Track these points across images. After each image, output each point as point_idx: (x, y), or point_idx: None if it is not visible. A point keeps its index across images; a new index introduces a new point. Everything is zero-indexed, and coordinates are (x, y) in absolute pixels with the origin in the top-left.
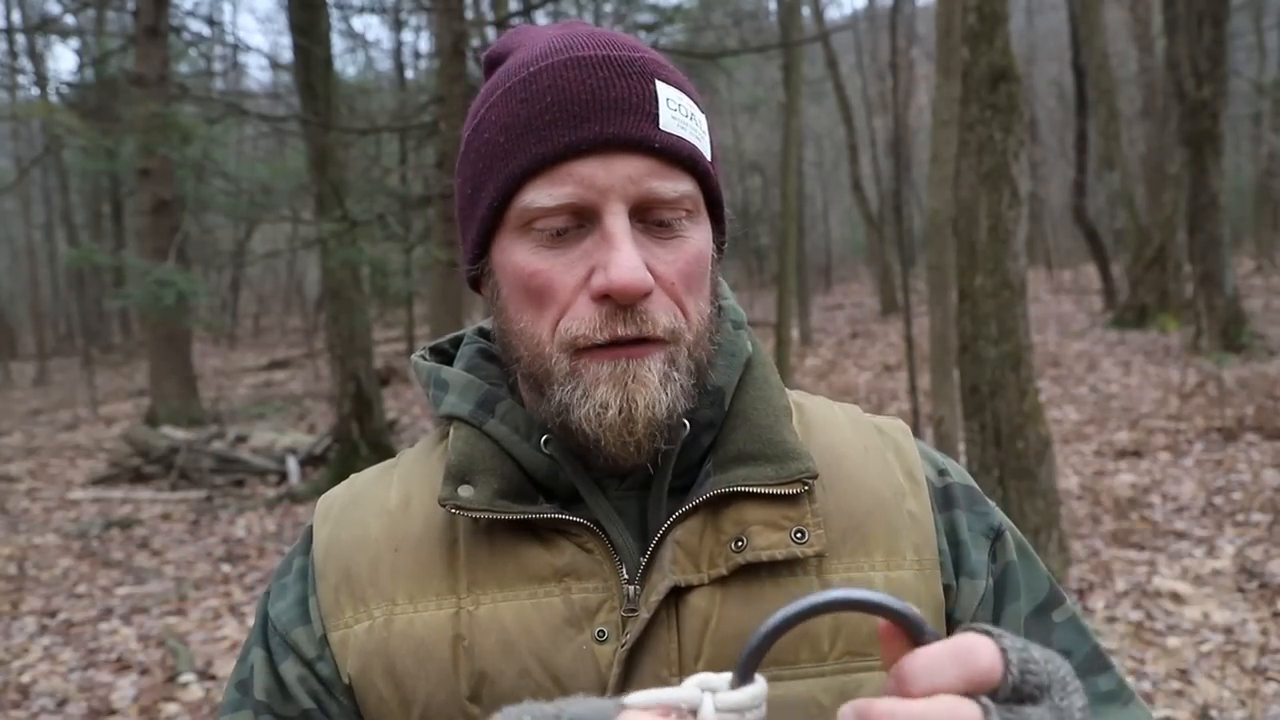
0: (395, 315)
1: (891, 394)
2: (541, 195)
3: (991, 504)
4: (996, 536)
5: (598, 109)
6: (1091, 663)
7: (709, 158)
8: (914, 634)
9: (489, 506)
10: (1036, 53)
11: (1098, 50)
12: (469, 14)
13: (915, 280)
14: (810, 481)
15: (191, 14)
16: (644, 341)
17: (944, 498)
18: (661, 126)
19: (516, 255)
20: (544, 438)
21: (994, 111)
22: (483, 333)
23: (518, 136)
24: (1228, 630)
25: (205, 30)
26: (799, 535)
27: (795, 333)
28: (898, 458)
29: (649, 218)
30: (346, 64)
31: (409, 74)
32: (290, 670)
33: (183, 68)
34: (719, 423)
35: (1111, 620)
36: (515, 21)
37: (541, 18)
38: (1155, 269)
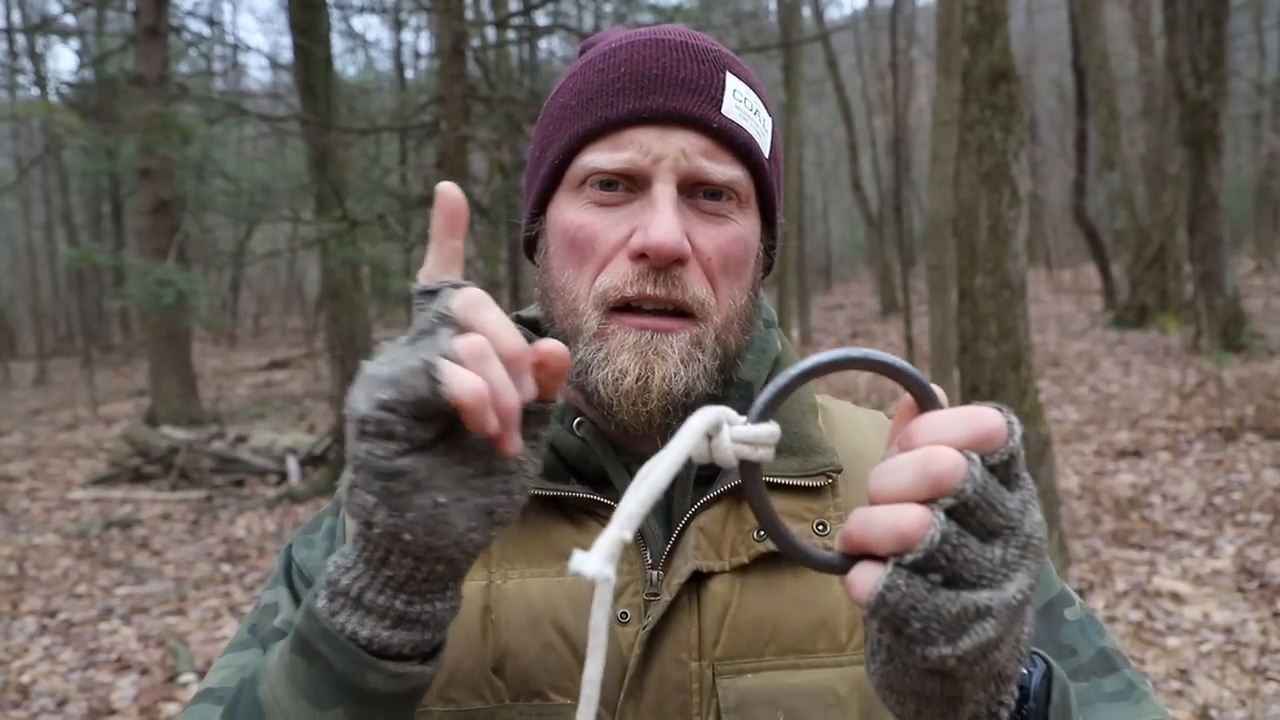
0: (395, 315)
1: (892, 394)
2: (600, 157)
3: None
4: None
5: (665, 84)
6: (1097, 665)
7: (766, 154)
8: (924, 403)
9: None
10: (1036, 53)
11: (1098, 50)
12: (469, 14)
13: (915, 280)
14: (834, 475)
15: (191, 14)
16: (673, 314)
17: None
18: (723, 111)
19: (567, 212)
20: (576, 420)
21: (994, 111)
22: (520, 320)
23: (588, 100)
24: (1228, 630)
25: (205, 30)
26: (820, 527)
27: (795, 333)
28: None
29: (698, 195)
30: (346, 64)
31: (409, 74)
32: None
33: (183, 68)
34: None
35: (1111, 620)
36: (515, 21)
37: (541, 18)
38: (1155, 269)
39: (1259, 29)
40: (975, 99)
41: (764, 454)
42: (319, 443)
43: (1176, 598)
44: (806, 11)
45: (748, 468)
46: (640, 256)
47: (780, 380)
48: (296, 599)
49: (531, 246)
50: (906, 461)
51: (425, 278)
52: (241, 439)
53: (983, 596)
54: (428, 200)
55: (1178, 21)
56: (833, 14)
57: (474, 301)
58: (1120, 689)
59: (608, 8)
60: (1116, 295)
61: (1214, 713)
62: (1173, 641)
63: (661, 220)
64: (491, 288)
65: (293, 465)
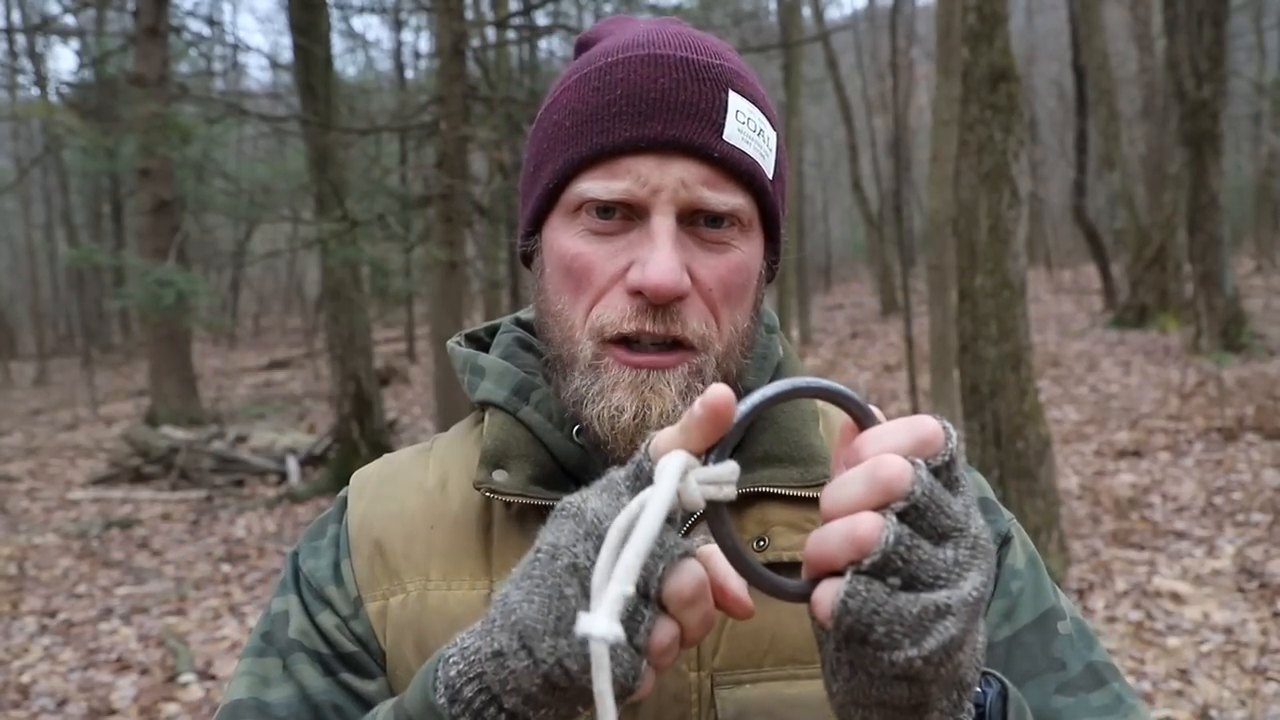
0: (395, 315)
1: (891, 394)
2: (596, 186)
3: (1005, 514)
4: (1003, 543)
5: (664, 109)
6: (1085, 679)
7: (770, 175)
8: (863, 422)
9: (522, 492)
10: (1036, 53)
11: (1098, 50)
12: (469, 14)
13: (915, 280)
14: None
15: (191, 14)
16: (671, 348)
17: None
18: (725, 137)
19: (563, 238)
20: (576, 428)
21: (994, 111)
22: (520, 323)
23: (583, 123)
24: (1228, 630)
25: (205, 30)
26: None
27: (795, 333)
28: None
29: (698, 222)
30: (346, 64)
31: (409, 74)
32: (327, 620)
33: (183, 68)
34: None
35: (1111, 620)
36: (515, 21)
37: (542, 18)
38: (1155, 269)
39: (1259, 29)
40: (975, 99)
41: (729, 492)
42: (319, 443)
43: (1176, 598)
44: (806, 11)
45: (713, 508)
46: (637, 293)
47: (731, 427)
48: (306, 607)
49: (528, 257)
50: (855, 474)
51: (655, 453)
52: (241, 439)
53: (941, 596)
54: (428, 200)
55: (1178, 21)
56: (833, 14)
57: (691, 598)
58: (1107, 703)
59: (608, 8)
60: (1116, 295)
61: (1214, 713)
62: (1173, 641)
63: (659, 259)
64: (492, 288)
65: (293, 465)
